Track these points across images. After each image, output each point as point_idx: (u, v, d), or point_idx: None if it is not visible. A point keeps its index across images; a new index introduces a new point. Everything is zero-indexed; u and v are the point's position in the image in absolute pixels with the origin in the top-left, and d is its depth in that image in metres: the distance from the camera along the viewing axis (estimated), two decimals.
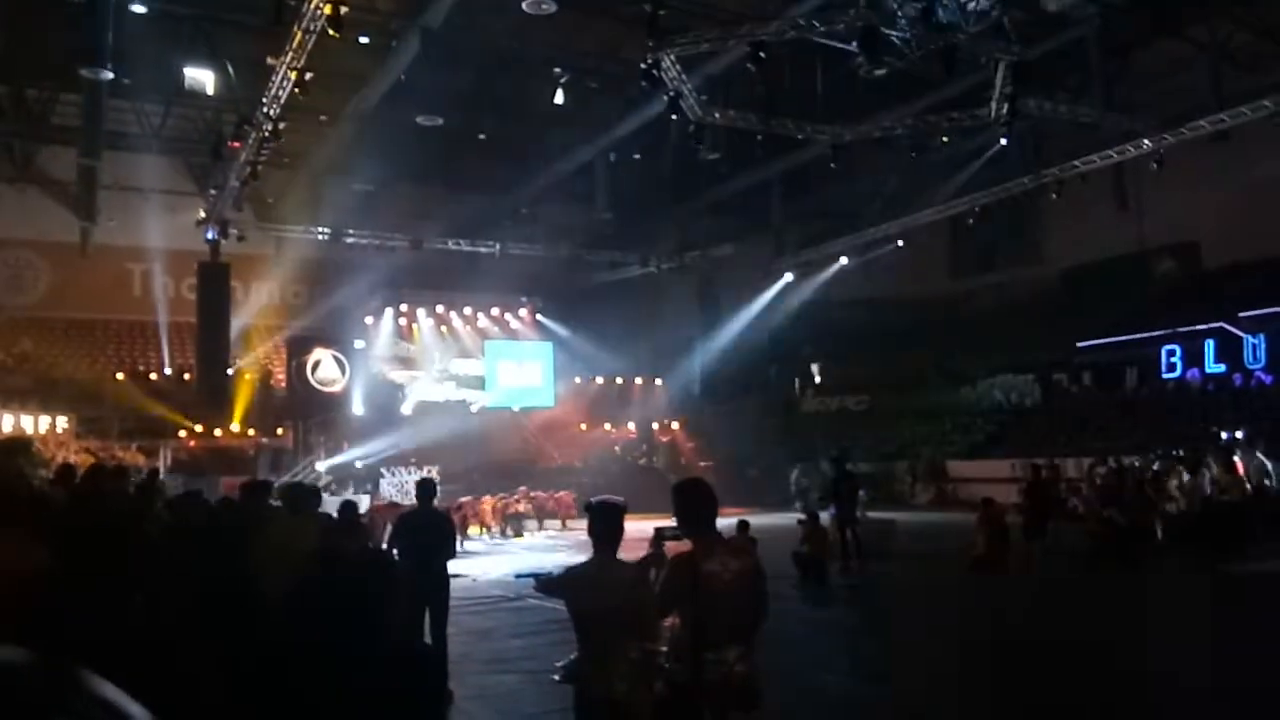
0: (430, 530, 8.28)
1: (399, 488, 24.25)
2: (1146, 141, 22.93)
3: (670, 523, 4.67)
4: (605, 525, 4.36)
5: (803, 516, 14.05)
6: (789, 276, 32.24)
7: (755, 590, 4.33)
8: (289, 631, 3.50)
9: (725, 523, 11.91)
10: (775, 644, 10.26)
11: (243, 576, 5.95)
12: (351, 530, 7.69)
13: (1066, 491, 19.70)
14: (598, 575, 4.29)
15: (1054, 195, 25.41)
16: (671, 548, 4.77)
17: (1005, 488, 19.07)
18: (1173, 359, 26.53)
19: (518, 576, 6.16)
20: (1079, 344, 29.13)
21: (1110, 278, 30.57)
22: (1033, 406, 29.49)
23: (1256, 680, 7.47)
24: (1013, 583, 13.14)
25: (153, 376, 27.88)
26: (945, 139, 24.52)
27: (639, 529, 5.15)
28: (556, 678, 4.35)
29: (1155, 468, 18.17)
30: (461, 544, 19.30)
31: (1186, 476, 15.84)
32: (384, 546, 9.08)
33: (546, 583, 4.75)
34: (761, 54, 17.76)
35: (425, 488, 8.66)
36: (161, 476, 17.09)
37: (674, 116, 19.78)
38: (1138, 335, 27.81)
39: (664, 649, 4.22)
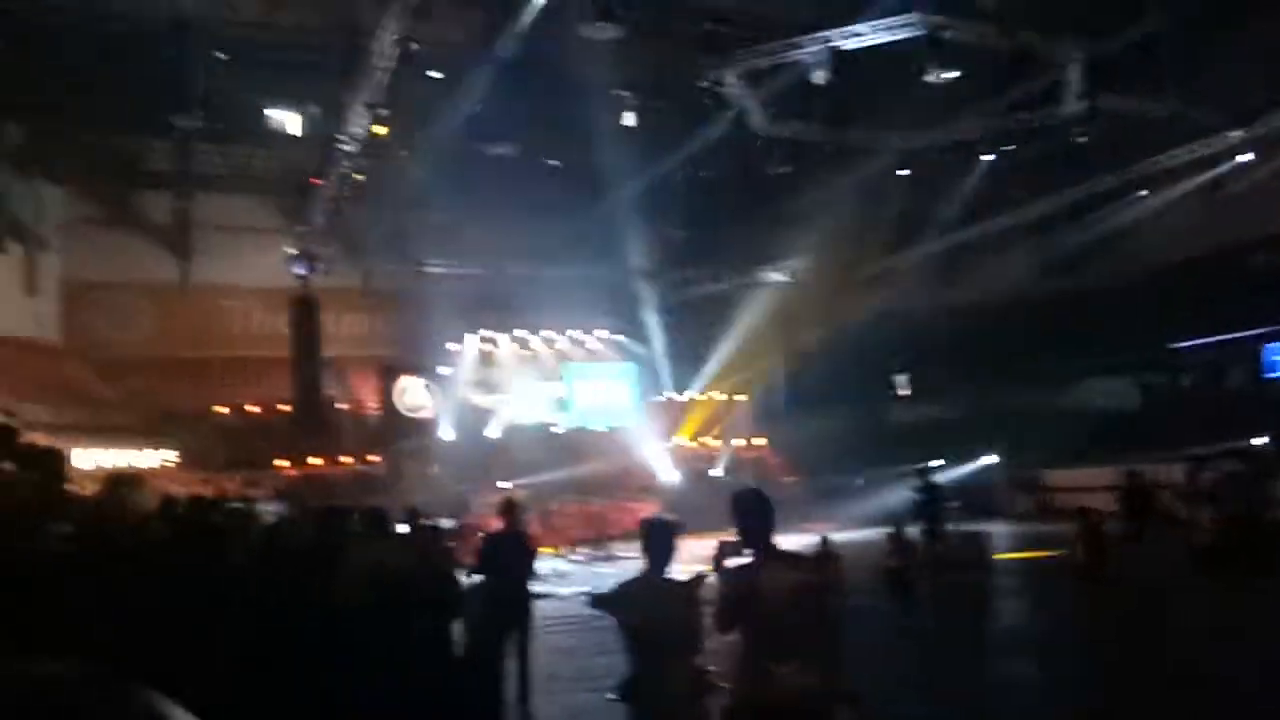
0: (512, 549, 8.46)
1: (487, 509, 24.60)
2: (1234, 132, 22.09)
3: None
4: (656, 543, 4.43)
5: (891, 530, 13.83)
6: (869, 286, 31.80)
7: (815, 604, 4.28)
8: (344, 634, 3.66)
9: (809, 539, 11.91)
10: (857, 661, 10.16)
11: (322, 593, 6.20)
12: (428, 549, 7.91)
13: (1170, 498, 18.95)
14: (648, 592, 4.35)
15: (1141, 192, 24.63)
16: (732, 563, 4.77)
17: (1105, 495, 18.41)
18: (1276, 356, 25.31)
19: (587, 594, 6.27)
20: (1174, 344, 28.05)
21: (1202, 274, 29.32)
22: (1131, 410, 28.45)
23: None
24: (1111, 593, 12.70)
25: (252, 409, 28.86)
26: (1020, 141, 23.92)
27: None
28: (611, 696, 4.40)
29: (1262, 470, 17.38)
30: (550, 565, 19.62)
31: None
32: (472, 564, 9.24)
33: (599, 599, 4.81)
34: (827, 65, 17.71)
35: (508, 508, 8.87)
36: (260, 505, 17.67)
37: (740, 132, 19.81)
38: (1236, 334, 26.65)
39: (713, 667, 4.23)
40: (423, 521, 9.38)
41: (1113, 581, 12.93)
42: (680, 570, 4.60)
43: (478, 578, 8.29)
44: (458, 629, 8.67)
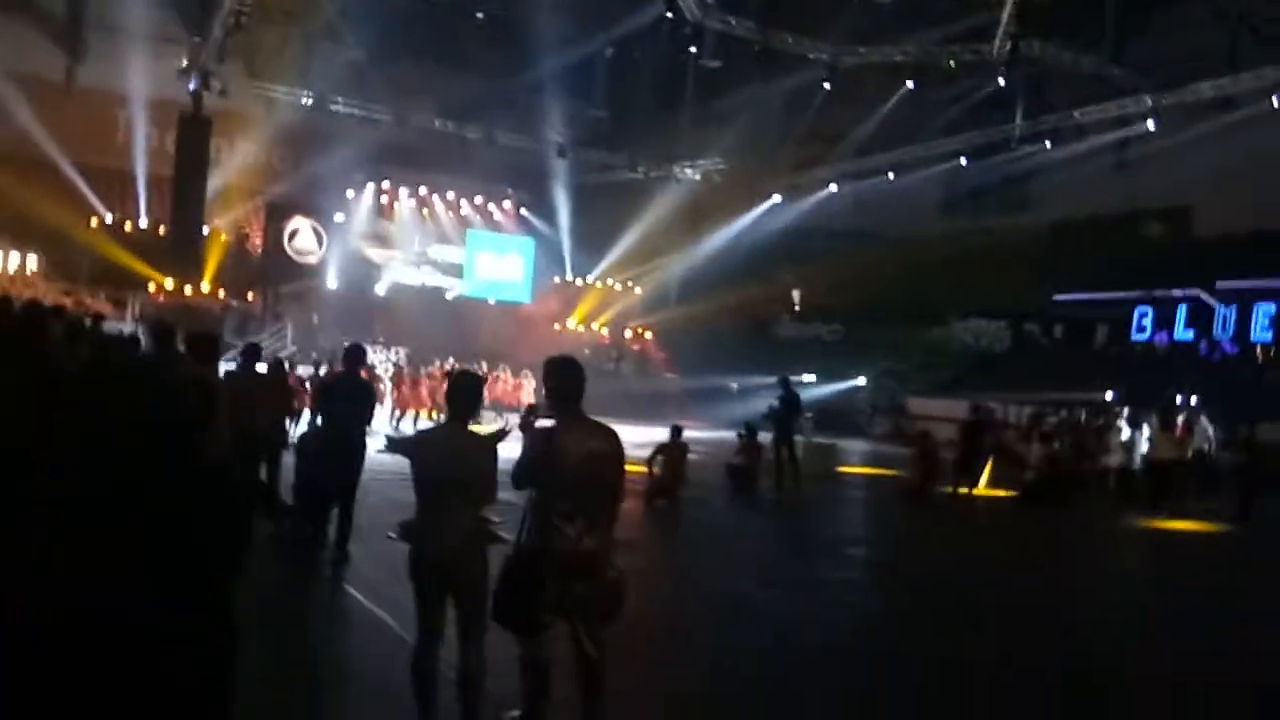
0: (350, 396, 8.36)
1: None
2: (1148, 99, 22.63)
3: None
4: (462, 394, 4.44)
5: (742, 431, 14.23)
6: (777, 198, 31.95)
7: (609, 472, 4.37)
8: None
9: (660, 430, 12.11)
10: (689, 548, 10.59)
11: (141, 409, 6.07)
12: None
13: (1014, 437, 20.03)
14: (446, 441, 4.39)
15: (1046, 144, 25.14)
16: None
17: (954, 426, 19.33)
18: (1144, 320, 26.67)
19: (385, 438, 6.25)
20: (1055, 297, 29.22)
21: (1099, 234, 30.43)
22: (1001, 353, 29.71)
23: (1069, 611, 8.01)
24: (933, 512, 13.50)
25: (127, 227, 27.55)
26: (949, 69, 23.95)
27: None
28: (392, 534, 4.46)
29: (1100, 422, 18.47)
30: (414, 422, 19.62)
31: (1127, 432, 16.13)
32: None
33: (397, 442, 4.84)
34: None
35: (352, 354, 8.69)
36: (113, 323, 17.11)
37: (669, 15, 19.32)
38: (1114, 294, 27.92)
39: (497, 519, 4.32)
40: (256, 360, 9.15)
41: (937, 502, 13.75)
42: (485, 425, 4.66)
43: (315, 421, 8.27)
44: (292, 469, 8.69)
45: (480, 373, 25.70)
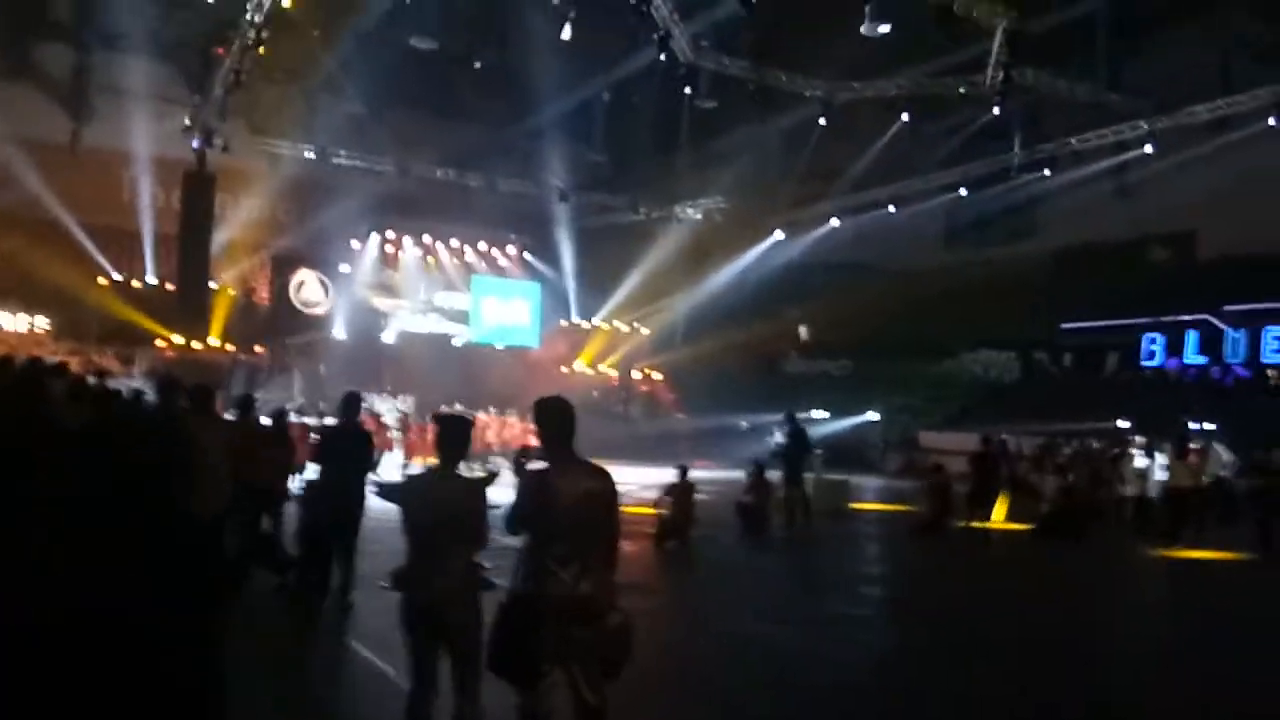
0: (349, 445, 8.29)
1: (369, 413, 24.29)
2: (1144, 123, 22.68)
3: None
4: (450, 438, 4.38)
5: (751, 469, 14.10)
6: (779, 235, 32.03)
7: (605, 514, 4.28)
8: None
9: (667, 470, 11.99)
10: (700, 588, 10.44)
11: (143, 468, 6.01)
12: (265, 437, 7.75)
13: (1028, 468, 19.80)
14: (435, 485, 4.32)
15: (1046, 171, 25.17)
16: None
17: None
18: (1153, 347, 26.50)
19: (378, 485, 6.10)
20: (1063, 325, 29.09)
21: (1103, 261, 30.35)
22: (1011, 383, 29.52)
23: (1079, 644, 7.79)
24: (947, 546, 13.30)
25: (135, 284, 27.72)
26: (945, 101, 24.10)
27: None
28: (384, 583, 4.38)
29: (1115, 451, 18.25)
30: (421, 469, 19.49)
31: (1141, 461, 15.92)
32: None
33: (386, 489, 4.76)
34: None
35: (348, 402, 8.63)
36: (120, 381, 17.13)
37: (663, 57, 19.48)
38: (1122, 321, 27.78)
39: (489, 564, 4.23)
40: (249, 411, 9.11)
41: (951, 537, 13.55)
42: (477, 469, 4.58)
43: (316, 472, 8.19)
44: (295, 519, 8.60)
45: (486, 418, 25.83)
